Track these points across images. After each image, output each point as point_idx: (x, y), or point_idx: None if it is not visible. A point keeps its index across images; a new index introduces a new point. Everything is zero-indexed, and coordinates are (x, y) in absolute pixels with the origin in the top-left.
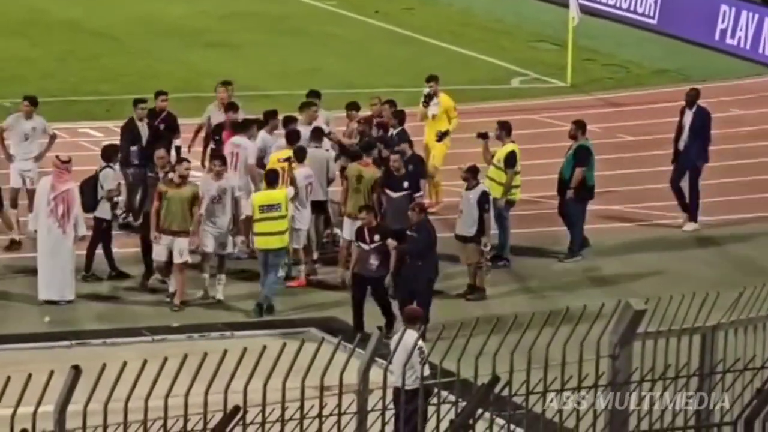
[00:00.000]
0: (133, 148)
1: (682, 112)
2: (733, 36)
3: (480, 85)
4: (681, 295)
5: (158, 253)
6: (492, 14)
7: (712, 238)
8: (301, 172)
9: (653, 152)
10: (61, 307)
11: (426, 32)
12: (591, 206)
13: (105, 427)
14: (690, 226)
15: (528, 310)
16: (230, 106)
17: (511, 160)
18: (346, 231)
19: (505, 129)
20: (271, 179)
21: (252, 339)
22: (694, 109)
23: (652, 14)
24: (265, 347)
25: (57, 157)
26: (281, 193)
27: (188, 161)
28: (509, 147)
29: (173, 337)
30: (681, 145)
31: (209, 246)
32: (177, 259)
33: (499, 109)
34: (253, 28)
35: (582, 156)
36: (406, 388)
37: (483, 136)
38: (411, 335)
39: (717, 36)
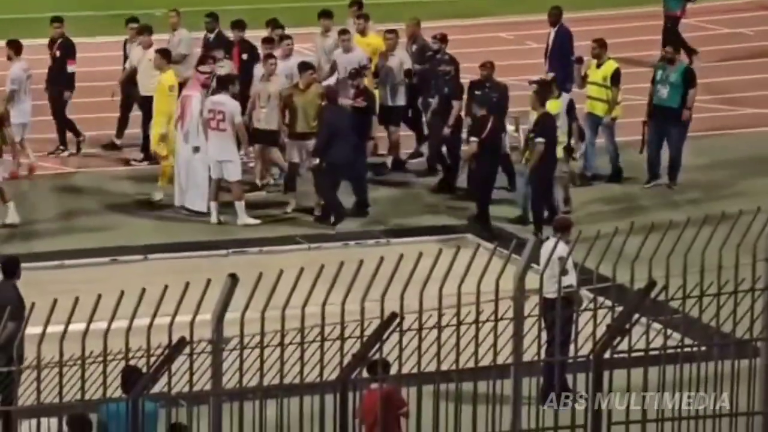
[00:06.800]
0: None
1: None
2: None
3: None
4: None
5: None
6: None
7: None
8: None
9: None
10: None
11: None
12: None
13: (262, 335)
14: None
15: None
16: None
17: (617, 76)
18: None
19: (603, 47)
20: None
21: (407, 245)
22: (556, 28)
23: None
24: (421, 254)
25: (197, 68)
26: None
27: None
28: (613, 64)
29: (329, 244)
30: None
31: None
32: None
33: (652, 14)
34: None
35: (692, 77)
36: (555, 296)
37: (578, 60)
38: (561, 244)
39: None
